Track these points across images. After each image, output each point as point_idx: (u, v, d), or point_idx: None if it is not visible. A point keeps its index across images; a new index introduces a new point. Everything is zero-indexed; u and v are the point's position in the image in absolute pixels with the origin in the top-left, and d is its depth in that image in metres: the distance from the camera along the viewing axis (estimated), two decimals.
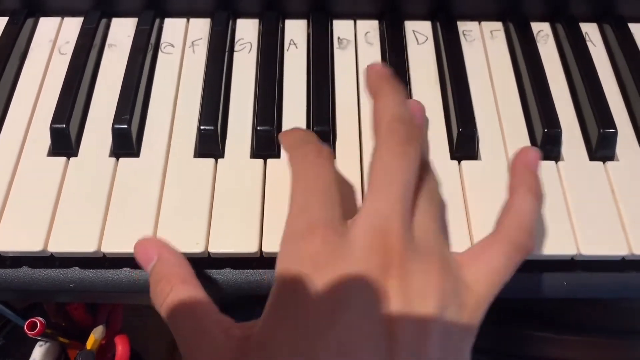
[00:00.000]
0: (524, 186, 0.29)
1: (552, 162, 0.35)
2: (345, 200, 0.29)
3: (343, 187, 0.34)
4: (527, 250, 0.28)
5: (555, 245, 0.32)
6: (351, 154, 0.35)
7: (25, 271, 0.34)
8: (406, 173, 0.27)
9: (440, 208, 0.29)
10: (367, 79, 0.33)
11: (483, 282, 0.27)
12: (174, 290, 0.28)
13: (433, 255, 0.26)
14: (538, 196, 0.29)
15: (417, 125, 0.31)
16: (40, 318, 0.40)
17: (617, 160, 0.36)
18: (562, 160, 0.36)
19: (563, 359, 0.54)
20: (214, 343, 0.26)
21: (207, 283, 0.34)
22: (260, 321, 0.26)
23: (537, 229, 0.31)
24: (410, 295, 0.24)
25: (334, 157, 0.30)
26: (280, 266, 0.27)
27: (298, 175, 0.29)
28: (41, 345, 0.47)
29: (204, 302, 0.28)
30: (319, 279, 0.25)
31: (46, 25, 0.42)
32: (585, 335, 0.52)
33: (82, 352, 0.42)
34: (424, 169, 0.29)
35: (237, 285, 0.34)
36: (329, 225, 0.26)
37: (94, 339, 0.43)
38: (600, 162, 0.36)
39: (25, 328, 0.40)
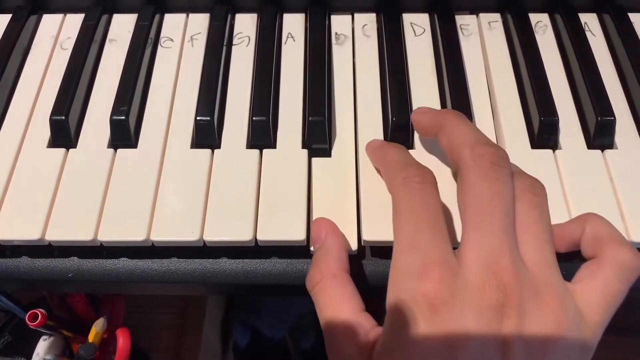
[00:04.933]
0: (591, 216, 0.29)
1: (550, 151, 0.35)
2: None
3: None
4: (635, 266, 0.27)
5: None
6: (346, 147, 0.35)
7: (24, 261, 0.34)
8: (504, 199, 0.26)
9: (545, 227, 0.27)
10: (419, 124, 0.33)
11: (596, 310, 0.26)
12: (322, 281, 0.29)
13: (549, 291, 0.25)
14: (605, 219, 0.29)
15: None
16: (41, 309, 0.41)
17: (616, 148, 0.36)
18: (560, 148, 0.36)
19: None
20: (347, 345, 0.27)
21: (203, 273, 0.34)
22: (380, 355, 0.26)
23: None
24: (527, 336, 0.24)
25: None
26: (393, 306, 0.26)
27: (403, 204, 0.27)
28: (45, 339, 0.48)
29: (351, 300, 0.28)
30: (436, 322, 0.24)
31: (49, 22, 0.43)
32: None
33: (84, 345, 0.43)
34: (524, 180, 0.28)
35: (234, 275, 0.34)
36: (444, 263, 0.25)
37: (95, 331, 0.44)
38: (599, 151, 0.35)
39: (27, 319, 0.40)
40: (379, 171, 0.33)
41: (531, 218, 0.27)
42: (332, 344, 0.27)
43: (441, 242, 0.26)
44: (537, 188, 0.28)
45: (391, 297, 0.26)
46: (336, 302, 0.28)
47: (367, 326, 0.27)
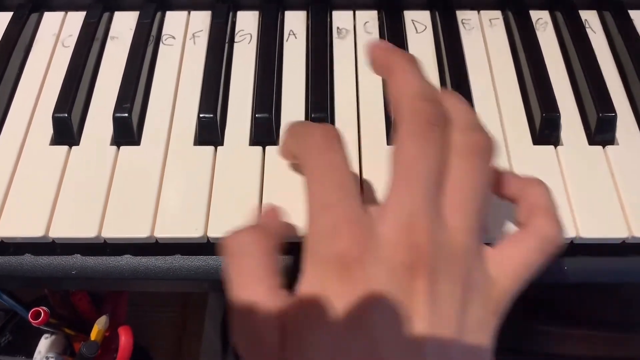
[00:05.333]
0: (536, 182, 0.29)
1: (551, 147, 0.35)
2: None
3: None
4: (559, 242, 0.27)
5: None
6: (350, 143, 0.35)
7: (28, 259, 0.34)
8: (434, 160, 0.25)
9: (486, 195, 0.27)
10: (373, 56, 0.30)
11: (510, 276, 0.26)
12: (240, 254, 0.27)
13: (461, 254, 0.25)
14: (550, 190, 0.29)
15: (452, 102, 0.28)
16: (44, 307, 0.41)
17: (617, 144, 0.36)
18: (562, 144, 0.36)
19: (568, 354, 0.53)
20: (257, 325, 0.25)
21: (207, 269, 0.34)
22: (290, 316, 0.25)
23: None
24: (436, 295, 0.24)
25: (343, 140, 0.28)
26: (307, 267, 0.26)
27: (310, 166, 0.27)
28: (47, 338, 0.48)
29: (267, 277, 0.26)
30: (348, 281, 0.24)
31: (50, 20, 0.43)
32: (588, 329, 0.52)
33: (86, 343, 0.43)
34: (480, 144, 0.27)
35: None
36: (355, 221, 0.25)
37: (97, 329, 0.44)
38: (600, 147, 0.35)
39: (30, 317, 0.40)
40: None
41: (465, 183, 0.26)
42: (240, 325, 0.26)
43: (351, 200, 0.25)
44: (483, 150, 0.27)
45: (306, 258, 0.26)
46: (251, 277, 0.26)
47: (280, 304, 0.26)
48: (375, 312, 0.24)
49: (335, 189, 0.26)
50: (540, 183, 0.29)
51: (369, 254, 0.24)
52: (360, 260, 0.24)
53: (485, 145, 0.27)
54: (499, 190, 0.30)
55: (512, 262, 0.27)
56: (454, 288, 0.25)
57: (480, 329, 0.25)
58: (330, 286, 0.24)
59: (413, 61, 0.28)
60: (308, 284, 0.25)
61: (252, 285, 0.26)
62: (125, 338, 0.44)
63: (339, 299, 0.24)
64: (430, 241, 0.24)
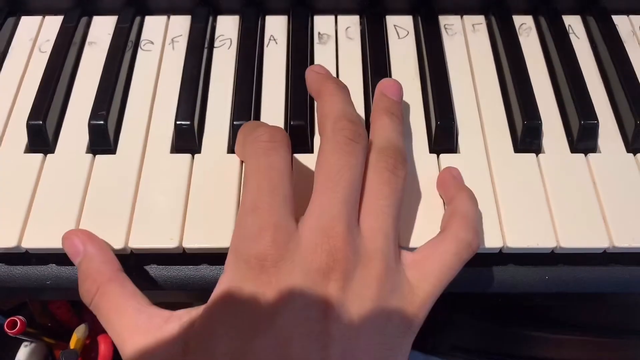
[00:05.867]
0: (464, 191, 0.31)
1: (533, 155, 0.35)
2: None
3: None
4: (474, 247, 0.29)
5: (535, 238, 0.32)
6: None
7: (2, 268, 0.34)
8: (352, 172, 0.28)
9: (399, 204, 0.29)
10: (308, 80, 0.34)
11: (430, 280, 0.28)
12: (100, 289, 0.28)
13: (377, 258, 0.27)
14: (476, 200, 0.31)
15: (395, 109, 0.32)
16: (20, 317, 0.40)
17: (599, 152, 0.36)
18: (543, 152, 0.35)
19: (559, 359, 0.53)
20: (150, 341, 0.26)
21: (184, 280, 0.33)
22: (201, 316, 0.26)
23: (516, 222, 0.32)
24: (349, 297, 0.25)
25: (290, 145, 0.29)
26: (229, 265, 0.27)
27: (249, 165, 0.29)
28: (26, 346, 0.47)
29: (134, 297, 0.28)
30: (264, 280, 0.25)
31: (27, 24, 0.42)
32: (579, 334, 0.52)
33: (65, 351, 0.42)
34: (395, 159, 0.29)
35: (215, 282, 0.33)
36: (279, 226, 0.26)
37: (76, 337, 0.43)
38: (582, 155, 0.35)
39: (5, 327, 0.40)
40: None
41: (381, 192, 0.28)
42: (133, 349, 0.26)
43: (280, 206, 0.27)
44: (398, 169, 0.29)
45: (229, 256, 0.27)
46: (121, 302, 0.27)
47: (164, 314, 0.27)
48: (286, 313, 0.25)
49: (267, 193, 0.27)
50: (468, 192, 0.31)
51: (287, 257, 0.26)
52: (278, 262, 0.25)
53: (397, 164, 0.29)
54: (441, 190, 0.33)
55: (430, 265, 0.28)
56: (368, 291, 0.26)
57: (398, 332, 0.26)
58: (246, 286, 0.25)
59: (341, 87, 0.32)
60: (227, 280, 0.26)
61: (128, 304, 0.27)
62: (104, 346, 0.44)
63: (252, 298, 0.25)
64: (347, 245, 0.26)
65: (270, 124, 0.36)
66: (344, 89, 0.32)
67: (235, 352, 0.24)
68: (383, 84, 0.34)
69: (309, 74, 0.34)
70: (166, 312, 0.27)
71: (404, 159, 0.30)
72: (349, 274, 0.26)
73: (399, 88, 0.34)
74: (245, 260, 0.26)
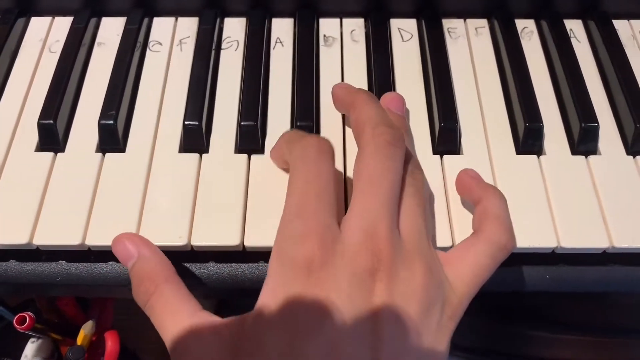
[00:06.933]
0: (491, 191, 0.31)
1: (534, 157, 0.36)
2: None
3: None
4: (508, 249, 0.29)
5: (536, 238, 0.32)
6: (335, 150, 0.36)
7: (12, 265, 0.34)
8: (393, 174, 0.28)
9: (425, 204, 0.30)
10: (337, 96, 0.35)
11: (465, 281, 0.28)
12: (158, 290, 0.28)
13: (418, 257, 0.27)
14: (505, 199, 0.31)
15: (401, 123, 0.33)
16: (29, 313, 0.41)
17: (600, 154, 0.36)
18: (544, 154, 0.36)
19: (557, 359, 0.54)
20: (202, 344, 0.27)
21: (191, 277, 0.34)
22: (250, 319, 0.26)
23: (518, 222, 0.32)
24: (396, 297, 0.26)
25: (334, 155, 0.30)
26: (275, 268, 0.27)
27: (297, 171, 0.29)
28: (33, 342, 0.48)
29: (188, 301, 0.28)
30: (311, 283, 0.25)
31: (37, 25, 0.43)
32: (579, 334, 0.52)
33: (72, 348, 0.43)
34: (410, 164, 0.30)
35: (222, 279, 0.34)
36: (324, 231, 0.26)
37: (83, 334, 0.44)
38: (583, 157, 0.36)
39: (15, 322, 0.40)
40: None
41: (409, 194, 0.29)
42: (184, 351, 0.27)
43: (325, 212, 0.27)
44: (416, 174, 0.30)
45: (273, 260, 0.27)
46: (176, 306, 0.28)
47: (215, 319, 0.28)
48: (335, 315, 0.25)
49: (313, 199, 0.27)
50: (496, 192, 0.31)
51: (333, 259, 0.26)
52: (325, 264, 0.26)
53: (414, 169, 0.30)
54: (464, 193, 0.33)
55: (465, 266, 0.28)
56: (414, 291, 0.26)
57: (439, 332, 0.27)
58: (294, 288, 0.26)
59: (372, 95, 0.32)
60: (274, 284, 0.27)
61: (183, 308, 0.28)
62: (111, 343, 0.44)
63: (301, 298, 0.25)
64: (390, 246, 0.26)
65: (277, 125, 0.37)
66: (375, 97, 0.33)
67: (287, 356, 0.24)
68: (387, 98, 0.35)
69: (337, 90, 0.35)
70: (216, 318, 0.28)
71: (417, 164, 0.31)
72: (394, 275, 0.26)
73: (403, 102, 0.35)
74: (291, 263, 0.26)
